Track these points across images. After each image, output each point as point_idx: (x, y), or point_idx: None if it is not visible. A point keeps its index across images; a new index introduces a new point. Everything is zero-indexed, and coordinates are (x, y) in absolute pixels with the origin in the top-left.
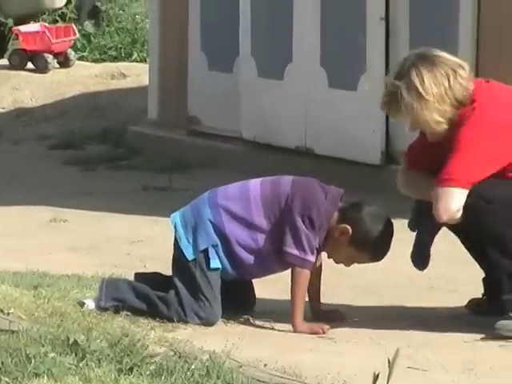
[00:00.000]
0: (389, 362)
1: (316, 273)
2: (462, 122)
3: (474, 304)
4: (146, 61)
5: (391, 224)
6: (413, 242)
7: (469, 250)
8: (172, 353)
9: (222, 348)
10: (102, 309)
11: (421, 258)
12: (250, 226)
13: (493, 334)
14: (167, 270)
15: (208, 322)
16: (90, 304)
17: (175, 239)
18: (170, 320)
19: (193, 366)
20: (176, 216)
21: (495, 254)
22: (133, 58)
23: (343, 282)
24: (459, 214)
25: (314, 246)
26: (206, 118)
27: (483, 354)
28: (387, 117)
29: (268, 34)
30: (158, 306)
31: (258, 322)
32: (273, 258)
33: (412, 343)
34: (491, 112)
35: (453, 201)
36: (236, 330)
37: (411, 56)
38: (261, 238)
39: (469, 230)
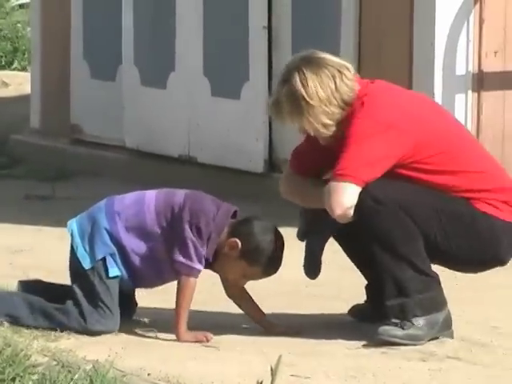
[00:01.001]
0: (271, 369)
1: (241, 292)
2: (351, 119)
3: (356, 310)
4: (27, 69)
5: (281, 237)
6: (304, 252)
7: (352, 258)
8: (55, 363)
9: (106, 357)
10: None
11: (312, 267)
12: (144, 235)
13: (375, 340)
14: (50, 280)
15: (109, 330)
16: None
17: (72, 247)
18: (66, 329)
19: (76, 376)
20: (73, 224)
21: (382, 256)
22: (14, 67)
23: None
24: (352, 211)
25: (201, 255)
26: (89, 126)
27: (366, 361)
28: (270, 125)
29: (151, 43)
30: (56, 318)
31: (141, 331)
32: (168, 267)
33: (295, 351)
34: (379, 109)
35: (345, 195)
36: (120, 339)
37: (296, 59)
38: (155, 247)
39: (357, 234)
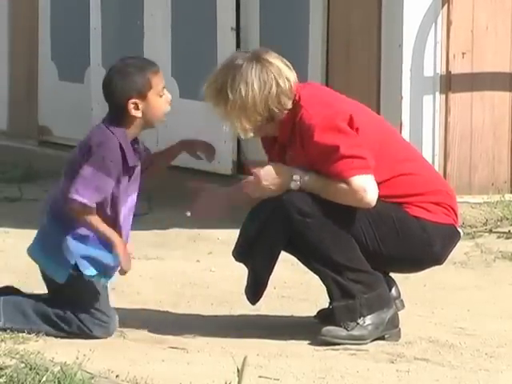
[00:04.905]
0: (238, 370)
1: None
2: (302, 129)
3: (322, 315)
4: None
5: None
6: (247, 275)
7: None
8: (23, 365)
9: (74, 359)
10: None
11: (256, 292)
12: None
13: (318, 341)
14: (20, 282)
15: (111, 332)
16: None
17: (41, 270)
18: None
19: (44, 378)
20: (32, 249)
21: (319, 266)
22: None
23: (196, 293)
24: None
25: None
26: (57, 128)
27: (334, 363)
28: None
29: (119, 45)
30: (58, 325)
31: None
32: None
33: (264, 352)
34: (322, 109)
35: (369, 187)
36: (88, 340)
37: (248, 53)
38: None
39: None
